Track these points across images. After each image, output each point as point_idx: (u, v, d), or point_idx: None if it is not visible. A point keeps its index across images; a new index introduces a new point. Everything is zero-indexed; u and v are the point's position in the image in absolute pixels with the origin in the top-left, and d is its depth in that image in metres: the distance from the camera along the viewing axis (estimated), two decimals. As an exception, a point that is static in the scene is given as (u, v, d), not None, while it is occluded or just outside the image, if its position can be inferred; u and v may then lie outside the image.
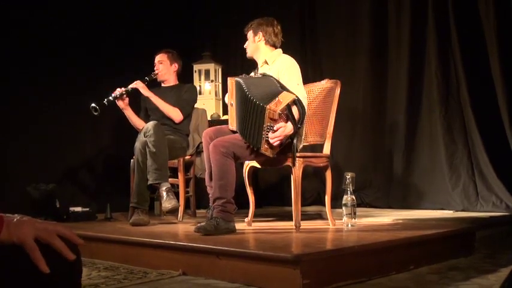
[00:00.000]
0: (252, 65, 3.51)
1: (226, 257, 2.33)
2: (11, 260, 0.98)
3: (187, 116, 4.11)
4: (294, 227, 3.02)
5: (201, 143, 3.70)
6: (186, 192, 4.02)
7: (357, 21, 5.13)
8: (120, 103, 3.96)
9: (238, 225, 3.08)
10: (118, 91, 3.92)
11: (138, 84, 3.98)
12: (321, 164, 3.26)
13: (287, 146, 3.00)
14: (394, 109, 4.85)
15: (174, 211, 3.58)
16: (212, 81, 5.29)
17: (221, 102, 5.29)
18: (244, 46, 3.41)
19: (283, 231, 3.15)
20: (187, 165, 4.09)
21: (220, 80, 5.34)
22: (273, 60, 3.28)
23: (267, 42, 3.31)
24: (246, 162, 3.38)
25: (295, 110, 2.92)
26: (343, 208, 3.12)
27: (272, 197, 5.48)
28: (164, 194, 3.55)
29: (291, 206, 3.09)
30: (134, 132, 4.05)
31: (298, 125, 2.94)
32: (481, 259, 2.75)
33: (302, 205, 3.25)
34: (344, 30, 5.23)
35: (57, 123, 4.82)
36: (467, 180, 4.31)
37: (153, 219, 3.89)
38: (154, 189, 3.72)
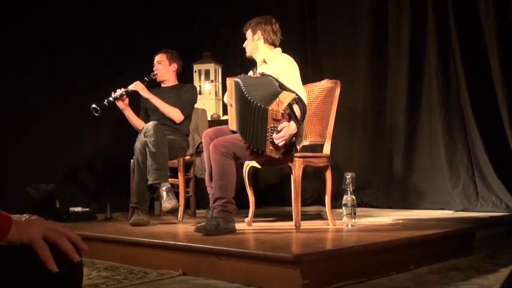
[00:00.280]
0: (252, 64, 3.51)
1: (226, 257, 2.32)
2: (11, 261, 0.98)
3: (188, 116, 4.11)
4: (294, 227, 3.02)
5: (201, 143, 3.70)
6: (186, 192, 4.02)
7: (357, 21, 5.14)
8: (120, 104, 3.96)
9: (238, 225, 3.08)
10: (118, 92, 3.92)
11: (137, 86, 3.98)
12: (321, 164, 3.26)
13: (289, 146, 3.00)
14: (394, 109, 4.85)
15: (174, 211, 3.58)
16: (212, 81, 5.29)
17: (221, 102, 5.29)
18: (244, 45, 3.41)
19: (283, 231, 3.15)
20: (187, 165, 4.09)
21: (220, 80, 5.34)
22: (271, 60, 3.28)
23: (265, 40, 3.31)
24: (246, 162, 3.38)
25: (296, 108, 2.92)
26: (343, 208, 3.11)
27: (272, 197, 5.48)
28: (164, 194, 3.55)
29: (291, 206, 3.09)
30: (134, 132, 4.05)
31: (300, 122, 2.94)
32: (481, 259, 2.75)
33: (302, 205, 3.24)
34: (344, 30, 5.22)
35: (57, 123, 4.82)
36: (467, 180, 4.31)
37: (153, 219, 3.89)
38: (154, 189, 3.72)
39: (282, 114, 2.83)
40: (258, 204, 3.72)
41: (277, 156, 2.92)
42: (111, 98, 3.89)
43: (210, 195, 3.06)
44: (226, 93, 3.28)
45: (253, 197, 3.46)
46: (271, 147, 2.87)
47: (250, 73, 3.31)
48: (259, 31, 3.30)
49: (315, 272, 2.09)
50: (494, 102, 4.13)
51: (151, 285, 2.25)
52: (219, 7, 5.95)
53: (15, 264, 0.98)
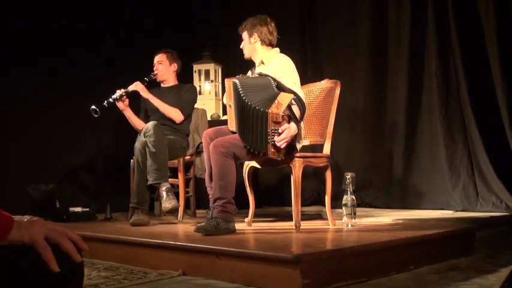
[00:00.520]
0: (251, 64, 3.50)
1: (226, 257, 2.33)
2: (12, 261, 0.98)
3: (188, 116, 4.11)
4: (294, 227, 3.02)
5: (201, 143, 3.70)
6: (186, 192, 4.02)
7: (357, 21, 5.13)
8: (120, 104, 3.96)
9: (238, 225, 3.08)
10: (118, 92, 3.92)
11: (137, 86, 3.98)
12: (321, 164, 3.26)
13: (289, 147, 3.00)
14: (394, 109, 4.85)
15: (174, 211, 3.58)
16: (212, 81, 5.29)
17: (221, 102, 5.29)
18: (241, 47, 3.40)
19: (283, 231, 3.15)
20: (187, 166, 4.09)
21: (220, 80, 5.34)
22: (269, 61, 3.28)
23: (263, 42, 3.30)
24: (246, 163, 3.38)
25: (295, 108, 2.92)
26: (343, 208, 3.11)
27: (272, 197, 5.48)
28: (164, 194, 3.55)
29: (291, 206, 3.09)
30: (134, 132, 4.05)
31: (300, 122, 2.94)
32: (481, 259, 2.75)
33: (302, 205, 3.25)
34: (344, 30, 5.22)
35: (57, 123, 4.82)
36: (467, 180, 4.31)
37: (153, 219, 3.89)
38: (154, 189, 3.72)
39: (282, 116, 2.83)
40: (258, 204, 3.72)
41: (279, 158, 2.92)
42: (110, 99, 3.89)
43: (210, 196, 3.05)
44: (225, 94, 3.28)
45: (253, 197, 3.46)
46: (272, 150, 2.86)
47: (249, 73, 3.30)
48: (255, 33, 3.29)
49: (315, 272, 2.09)
50: (494, 102, 4.13)
51: (151, 285, 2.25)
52: (219, 7, 5.95)
53: (16, 264, 0.98)
